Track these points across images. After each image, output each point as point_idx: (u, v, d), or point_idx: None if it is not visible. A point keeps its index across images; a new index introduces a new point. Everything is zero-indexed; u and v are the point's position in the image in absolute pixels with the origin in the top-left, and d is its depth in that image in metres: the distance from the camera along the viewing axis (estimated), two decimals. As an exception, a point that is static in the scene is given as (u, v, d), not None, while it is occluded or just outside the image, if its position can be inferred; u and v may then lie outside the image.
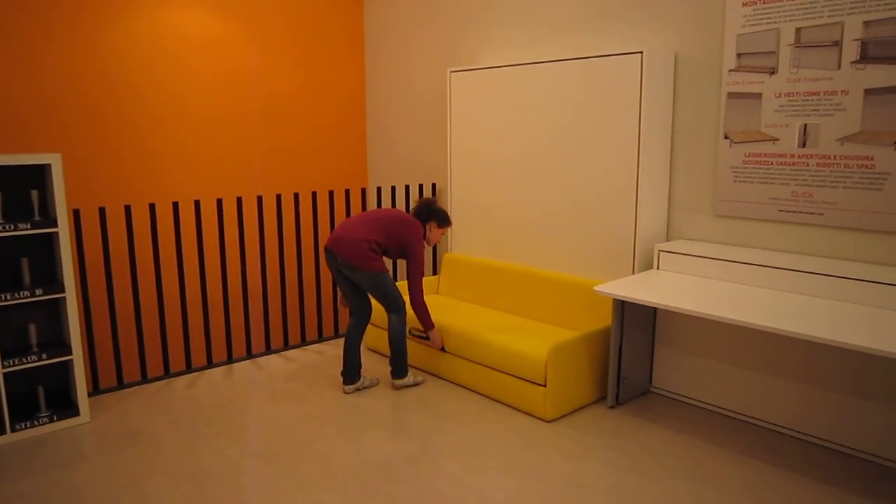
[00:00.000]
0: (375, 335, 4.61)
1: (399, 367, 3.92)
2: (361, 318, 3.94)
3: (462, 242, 4.79)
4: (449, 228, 3.93)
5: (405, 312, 3.87)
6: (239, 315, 5.27)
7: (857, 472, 2.99)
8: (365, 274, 3.70)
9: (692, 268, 3.53)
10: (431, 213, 3.90)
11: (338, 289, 3.95)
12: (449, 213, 3.96)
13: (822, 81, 3.15)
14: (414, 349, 4.27)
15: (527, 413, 3.60)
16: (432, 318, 3.98)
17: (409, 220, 3.80)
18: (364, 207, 5.24)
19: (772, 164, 3.37)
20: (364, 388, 3.97)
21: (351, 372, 3.90)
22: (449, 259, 4.87)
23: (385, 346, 4.54)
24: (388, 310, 3.86)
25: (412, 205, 5.45)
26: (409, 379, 3.97)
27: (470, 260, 4.70)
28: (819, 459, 3.10)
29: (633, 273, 3.74)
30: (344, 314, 5.69)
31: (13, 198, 3.42)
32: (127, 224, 3.95)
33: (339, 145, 5.81)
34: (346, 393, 3.91)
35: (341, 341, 4.91)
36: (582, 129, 3.88)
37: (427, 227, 3.89)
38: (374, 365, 4.39)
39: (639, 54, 3.54)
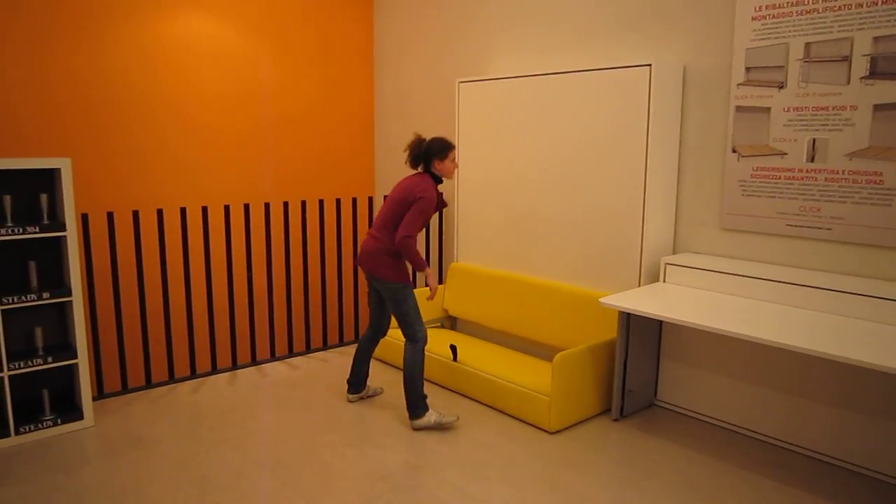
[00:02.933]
0: (381, 345, 4.60)
1: (415, 403, 3.53)
2: (377, 331, 3.82)
3: (468, 252, 4.79)
4: (455, 151, 3.57)
5: (424, 343, 3.56)
6: (244, 322, 5.28)
7: (862, 488, 2.96)
8: (386, 285, 3.51)
9: (699, 281, 3.52)
10: (427, 152, 3.53)
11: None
12: (446, 138, 3.58)
13: (831, 96, 3.15)
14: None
15: (531, 424, 3.59)
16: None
17: (412, 183, 3.49)
18: (371, 216, 5.26)
19: (780, 178, 3.36)
20: (368, 396, 3.95)
21: (357, 381, 3.87)
22: (455, 269, 4.86)
23: (391, 357, 4.53)
24: (404, 334, 3.59)
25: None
26: (429, 419, 3.53)
27: (476, 270, 4.70)
28: (825, 475, 3.07)
29: (640, 285, 3.73)
30: (349, 322, 5.68)
31: (22, 201, 3.44)
32: (134, 230, 3.96)
33: (348, 155, 5.82)
34: (349, 401, 3.89)
35: (346, 349, 4.91)
36: (589, 140, 3.88)
37: (433, 168, 3.54)
38: (378, 375, 4.38)
39: (647, 67, 3.54)
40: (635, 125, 3.63)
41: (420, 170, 3.59)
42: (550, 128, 4.08)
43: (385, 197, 3.68)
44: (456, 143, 4.75)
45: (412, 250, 3.40)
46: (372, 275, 3.55)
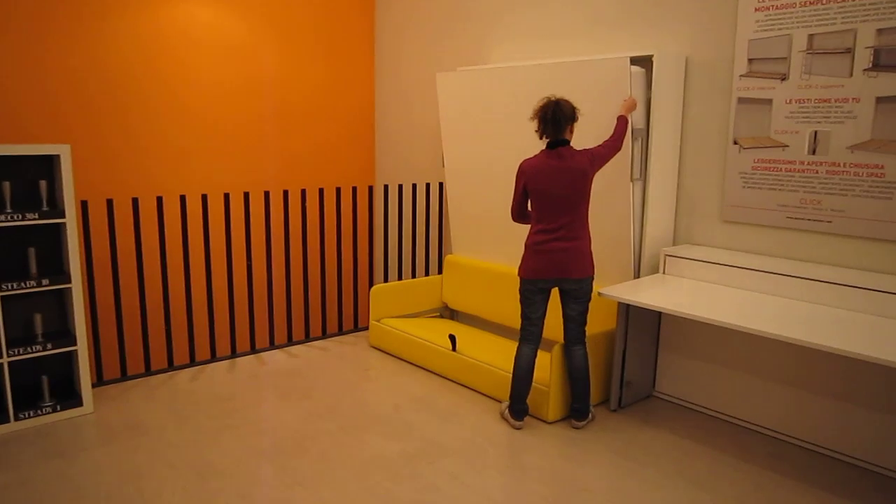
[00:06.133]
0: (380, 334, 4.61)
1: (587, 405, 3.42)
2: (538, 344, 3.42)
3: (463, 245, 4.78)
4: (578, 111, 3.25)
5: None
6: (243, 309, 5.28)
7: (860, 481, 2.97)
8: (588, 283, 3.27)
9: (698, 273, 3.51)
10: (572, 116, 3.19)
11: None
12: (570, 106, 3.21)
13: (834, 88, 3.13)
14: (414, 345, 4.27)
15: (529, 414, 3.59)
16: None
17: (571, 166, 3.16)
18: (371, 205, 5.25)
19: (781, 170, 3.36)
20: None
21: (526, 405, 3.45)
22: (450, 261, 4.86)
23: (389, 346, 4.53)
24: (577, 339, 3.37)
25: (418, 205, 5.45)
26: (590, 415, 3.49)
27: (471, 262, 4.70)
28: (823, 468, 3.08)
29: (639, 277, 3.73)
30: (348, 311, 5.68)
31: (22, 188, 3.43)
32: (134, 217, 3.96)
33: (348, 144, 5.81)
34: (518, 429, 3.44)
35: (345, 338, 4.91)
36: (589, 131, 3.86)
37: (568, 133, 3.23)
38: (379, 363, 4.38)
39: (649, 57, 3.53)
40: (637, 116, 3.61)
41: (545, 141, 3.23)
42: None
43: (533, 193, 3.26)
44: (441, 135, 4.73)
45: (624, 131, 3.31)
46: (575, 277, 3.23)
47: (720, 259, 3.42)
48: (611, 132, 3.43)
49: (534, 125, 3.26)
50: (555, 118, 3.15)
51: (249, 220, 4.43)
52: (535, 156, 3.29)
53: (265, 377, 4.12)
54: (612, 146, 3.32)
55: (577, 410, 3.43)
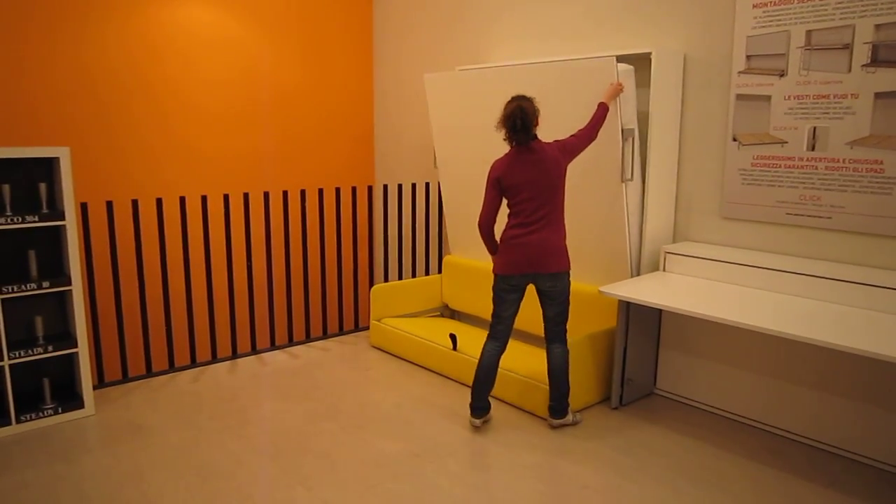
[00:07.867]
0: (381, 334, 4.61)
1: (564, 405, 3.37)
2: (506, 343, 3.37)
3: (461, 246, 4.78)
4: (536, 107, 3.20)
5: None
6: (244, 310, 5.28)
7: (863, 477, 2.97)
8: (563, 277, 3.23)
9: (699, 270, 3.52)
10: (535, 115, 3.16)
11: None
12: (522, 94, 3.22)
13: (832, 84, 3.13)
14: (414, 345, 4.27)
15: (530, 412, 3.59)
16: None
17: (544, 158, 3.14)
18: (370, 205, 5.25)
19: (780, 166, 3.36)
20: (487, 421, 3.52)
21: (485, 404, 3.41)
22: (449, 261, 4.86)
23: (390, 346, 4.54)
24: (557, 337, 3.31)
25: (418, 204, 5.44)
26: (569, 418, 3.42)
27: (470, 263, 4.69)
28: (824, 464, 3.08)
29: (639, 274, 3.73)
30: (348, 311, 5.68)
31: (21, 190, 3.44)
32: (134, 218, 3.96)
33: (347, 143, 5.81)
34: (476, 427, 3.43)
35: (346, 338, 4.91)
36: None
37: (535, 129, 3.19)
38: (380, 364, 4.39)
39: (648, 55, 3.53)
40: (626, 116, 3.60)
41: (513, 144, 3.19)
42: (546, 117, 4.04)
43: (510, 189, 3.21)
44: (432, 136, 4.73)
45: (601, 118, 3.32)
46: (550, 271, 3.19)
47: (720, 256, 3.42)
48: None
49: (503, 133, 3.20)
50: (524, 125, 3.12)
51: (249, 221, 4.43)
52: (506, 154, 3.24)
53: (266, 377, 4.12)
54: (585, 136, 3.28)
55: (551, 408, 3.39)
